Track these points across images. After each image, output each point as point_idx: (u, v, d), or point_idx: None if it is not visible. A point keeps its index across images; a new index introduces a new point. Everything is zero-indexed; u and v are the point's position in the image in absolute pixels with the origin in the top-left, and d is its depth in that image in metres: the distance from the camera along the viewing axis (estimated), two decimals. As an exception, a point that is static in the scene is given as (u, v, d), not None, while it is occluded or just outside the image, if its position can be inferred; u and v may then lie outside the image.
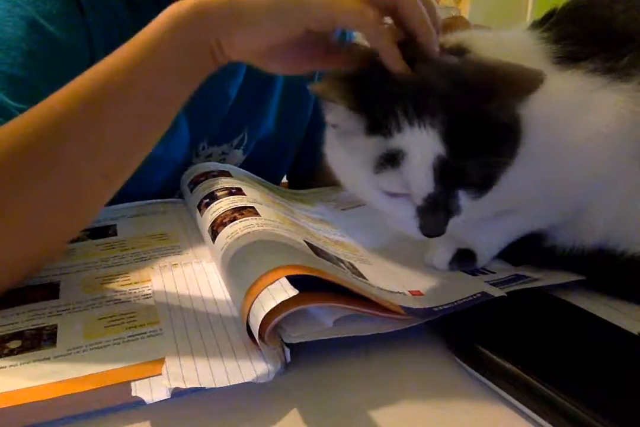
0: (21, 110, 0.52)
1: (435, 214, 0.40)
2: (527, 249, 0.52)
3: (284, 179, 0.98)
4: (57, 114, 0.43)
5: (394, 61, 0.41)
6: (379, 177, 0.40)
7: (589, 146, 0.45)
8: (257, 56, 0.46)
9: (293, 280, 0.38)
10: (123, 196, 0.53)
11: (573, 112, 0.45)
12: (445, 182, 0.39)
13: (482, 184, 0.41)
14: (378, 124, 0.39)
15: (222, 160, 0.81)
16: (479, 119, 0.38)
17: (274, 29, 0.42)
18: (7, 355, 0.38)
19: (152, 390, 0.34)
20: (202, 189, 0.61)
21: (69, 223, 0.47)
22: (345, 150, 0.43)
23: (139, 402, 0.34)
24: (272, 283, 0.38)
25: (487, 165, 0.38)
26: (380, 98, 0.39)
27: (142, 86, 0.44)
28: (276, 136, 0.86)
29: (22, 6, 0.55)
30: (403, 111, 0.38)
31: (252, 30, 0.43)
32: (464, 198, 0.41)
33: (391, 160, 0.39)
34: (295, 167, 0.94)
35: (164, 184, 0.71)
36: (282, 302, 0.36)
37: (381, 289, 0.45)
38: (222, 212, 0.53)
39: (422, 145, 0.38)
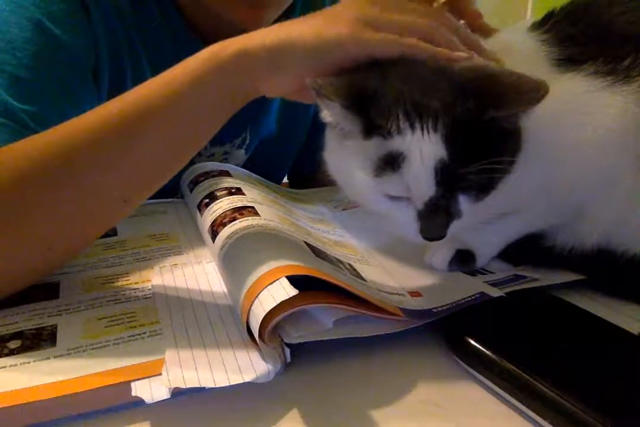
0: (26, 112, 0.52)
1: (436, 217, 0.40)
2: (527, 249, 0.52)
3: (285, 179, 0.98)
4: (84, 139, 0.43)
5: (449, 59, 0.42)
6: (380, 181, 0.40)
7: (590, 148, 0.45)
8: (291, 93, 0.47)
9: (293, 280, 0.38)
10: None
11: (574, 114, 0.45)
12: (446, 186, 0.39)
13: (483, 188, 0.41)
14: (375, 125, 0.39)
15: (224, 160, 0.81)
16: (482, 126, 0.38)
17: (311, 72, 0.43)
18: (7, 355, 0.38)
19: (152, 390, 0.34)
20: (202, 189, 0.61)
21: (84, 239, 0.48)
22: (345, 154, 0.42)
23: (139, 402, 0.34)
24: (272, 283, 0.38)
25: (488, 170, 0.38)
26: (379, 99, 0.39)
27: (173, 121, 0.45)
28: (278, 136, 0.86)
29: (28, 8, 0.55)
30: (405, 113, 0.38)
31: (291, 74, 0.44)
32: (464, 202, 0.41)
33: (391, 163, 0.39)
34: (296, 167, 0.94)
35: (168, 184, 0.71)
36: (282, 302, 0.36)
37: (380, 290, 0.45)
38: (222, 212, 0.53)
39: (423, 148, 0.38)
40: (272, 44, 0.43)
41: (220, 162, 0.76)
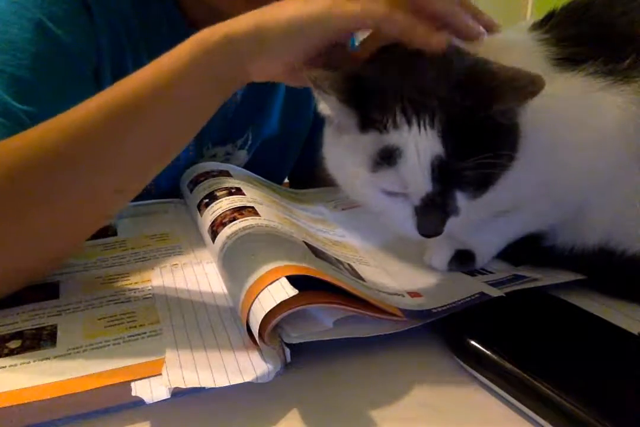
0: (26, 112, 0.52)
1: (432, 214, 0.40)
2: (527, 249, 0.52)
3: (285, 179, 0.98)
4: (76, 131, 0.43)
5: (428, 45, 0.40)
6: (376, 176, 0.40)
7: (590, 148, 0.45)
8: (280, 75, 0.46)
9: (293, 280, 0.38)
10: None
11: (573, 114, 0.45)
12: (443, 182, 0.39)
13: (480, 185, 0.41)
14: (371, 119, 0.39)
15: (226, 161, 0.81)
16: (479, 121, 0.38)
17: (297, 50, 0.43)
18: (7, 355, 0.38)
19: (152, 390, 0.34)
20: (202, 189, 0.61)
21: (80, 232, 0.48)
22: (342, 149, 0.43)
23: (139, 402, 0.34)
24: (272, 283, 0.38)
25: (485, 166, 0.38)
26: (376, 93, 0.39)
27: (165, 110, 0.45)
28: (280, 137, 0.86)
29: (30, 9, 0.55)
30: (401, 109, 0.38)
31: (277, 54, 0.44)
32: (461, 198, 0.41)
33: (387, 158, 0.39)
34: (297, 167, 0.94)
35: (169, 185, 0.71)
36: (282, 302, 0.36)
37: (380, 291, 0.45)
38: (221, 212, 0.53)
39: (420, 144, 0.38)
40: (255, 25, 0.43)
41: (223, 162, 0.76)
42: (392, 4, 0.41)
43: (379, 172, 0.40)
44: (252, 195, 0.58)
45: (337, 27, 0.42)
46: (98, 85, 0.63)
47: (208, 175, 0.64)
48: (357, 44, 0.48)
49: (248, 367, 0.37)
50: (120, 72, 0.65)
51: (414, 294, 0.46)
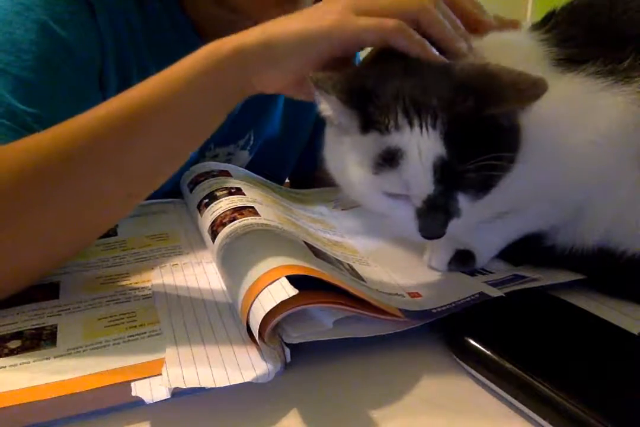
0: (30, 114, 0.52)
1: (434, 216, 0.40)
2: (527, 249, 0.52)
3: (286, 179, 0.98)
4: (84, 137, 0.44)
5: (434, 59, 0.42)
6: (378, 178, 0.40)
7: (591, 148, 0.45)
8: (285, 88, 0.47)
9: (293, 280, 0.38)
10: None
11: (574, 114, 0.45)
12: (445, 184, 0.39)
13: (482, 187, 0.41)
14: (372, 120, 0.39)
15: (228, 161, 0.81)
16: (481, 123, 0.38)
17: (305, 63, 0.43)
18: (7, 355, 0.38)
19: (152, 390, 0.34)
20: (202, 189, 0.61)
21: (87, 236, 0.48)
22: (343, 151, 0.42)
23: (139, 402, 0.34)
24: (272, 283, 0.38)
25: (487, 167, 0.38)
26: (378, 94, 0.39)
27: (171, 120, 0.45)
28: (281, 137, 0.86)
29: (34, 9, 0.55)
30: (403, 110, 0.38)
31: (285, 67, 0.44)
32: (463, 200, 0.41)
33: (389, 159, 0.39)
34: (298, 167, 0.94)
35: (169, 185, 0.71)
36: (282, 302, 0.36)
37: (380, 291, 0.45)
38: (221, 212, 0.53)
39: (422, 145, 0.38)
40: (265, 38, 0.43)
41: (225, 162, 0.76)
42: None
43: (380, 173, 0.40)
44: (252, 195, 0.58)
45: (347, 41, 0.42)
46: (102, 86, 0.63)
47: (208, 175, 0.64)
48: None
49: (248, 367, 0.37)
50: (124, 73, 0.65)
51: (414, 294, 0.46)
